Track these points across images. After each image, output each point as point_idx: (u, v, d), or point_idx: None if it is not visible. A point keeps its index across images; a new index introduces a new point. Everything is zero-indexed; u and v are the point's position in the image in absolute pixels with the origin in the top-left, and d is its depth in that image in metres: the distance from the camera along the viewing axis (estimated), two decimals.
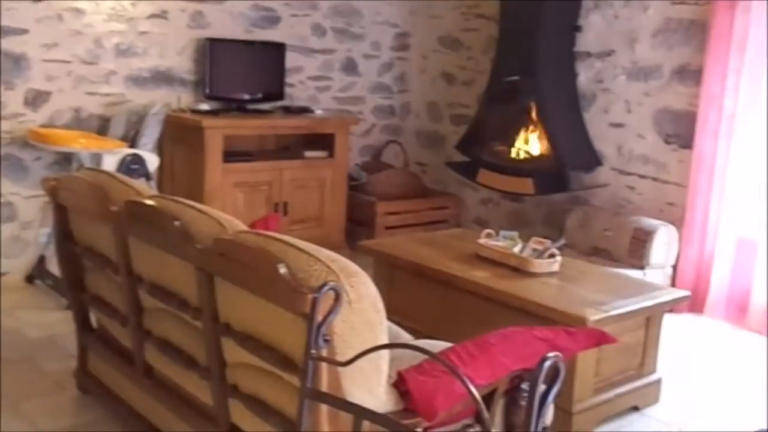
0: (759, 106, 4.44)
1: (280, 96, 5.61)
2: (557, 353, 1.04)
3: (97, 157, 4.38)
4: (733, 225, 4.57)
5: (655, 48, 4.92)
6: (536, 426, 1.05)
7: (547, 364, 1.03)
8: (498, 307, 3.29)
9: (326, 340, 1.40)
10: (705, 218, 4.64)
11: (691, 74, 4.75)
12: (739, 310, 4.54)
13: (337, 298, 1.49)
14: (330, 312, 1.45)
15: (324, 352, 1.76)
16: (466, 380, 1.12)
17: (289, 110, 5.58)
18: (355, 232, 5.55)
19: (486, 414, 1.13)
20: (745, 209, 4.55)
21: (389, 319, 2.96)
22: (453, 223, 5.97)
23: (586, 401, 3.13)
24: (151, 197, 2.62)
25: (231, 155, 5.04)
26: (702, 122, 4.62)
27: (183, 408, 2.54)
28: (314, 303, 1.40)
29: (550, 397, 1.05)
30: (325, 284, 1.50)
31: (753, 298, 4.45)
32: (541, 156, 5.26)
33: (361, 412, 1.35)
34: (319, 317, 1.40)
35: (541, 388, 1.02)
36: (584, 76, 5.30)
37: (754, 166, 4.50)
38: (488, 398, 2.20)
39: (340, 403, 1.48)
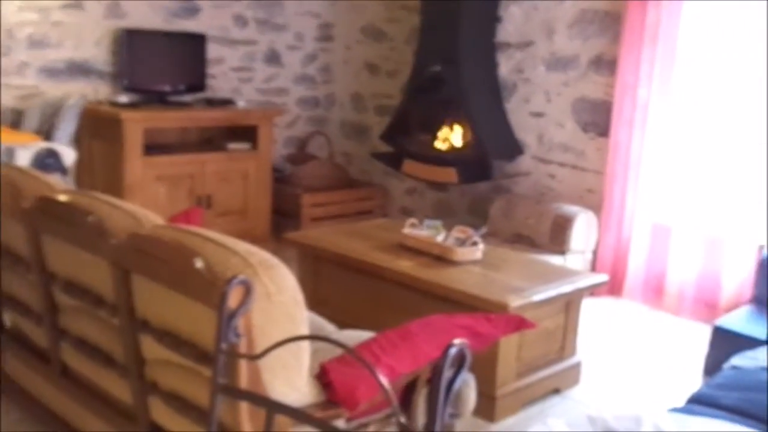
0: (671, 96, 4.59)
1: (201, 88, 5.52)
2: (463, 341, 1.06)
3: (10, 152, 4.23)
4: (649, 211, 4.71)
5: (572, 39, 5.02)
6: (443, 412, 1.07)
7: (453, 351, 1.04)
8: (422, 296, 3.32)
9: (237, 334, 1.39)
10: (622, 204, 4.77)
11: (606, 64, 4.87)
12: (655, 293, 4.69)
13: (248, 291, 1.47)
14: (240, 305, 1.43)
15: (242, 346, 1.75)
16: (377, 373, 1.13)
17: (211, 102, 5.50)
18: (281, 224, 5.51)
19: (396, 403, 1.13)
20: (659, 196, 4.70)
21: (315, 310, 2.97)
22: (379, 214, 5.99)
23: (508, 386, 3.20)
24: (63, 192, 2.55)
25: (152, 148, 4.94)
26: (617, 111, 4.74)
27: (102, 407, 2.48)
28: (223, 296, 1.39)
29: (457, 384, 1.07)
30: (234, 277, 1.48)
31: (668, 281, 4.61)
32: (464, 146, 5.32)
33: (272, 406, 1.35)
34: (230, 310, 1.39)
35: (448, 375, 1.04)
36: (505, 67, 5.38)
37: (667, 154, 4.64)
38: (413, 385, 2.22)
39: (250, 398, 1.47)
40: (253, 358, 1.42)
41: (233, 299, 1.46)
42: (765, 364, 2.73)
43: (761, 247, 4.15)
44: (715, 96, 4.48)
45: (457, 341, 1.05)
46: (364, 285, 3.64)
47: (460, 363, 1.06)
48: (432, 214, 5.39)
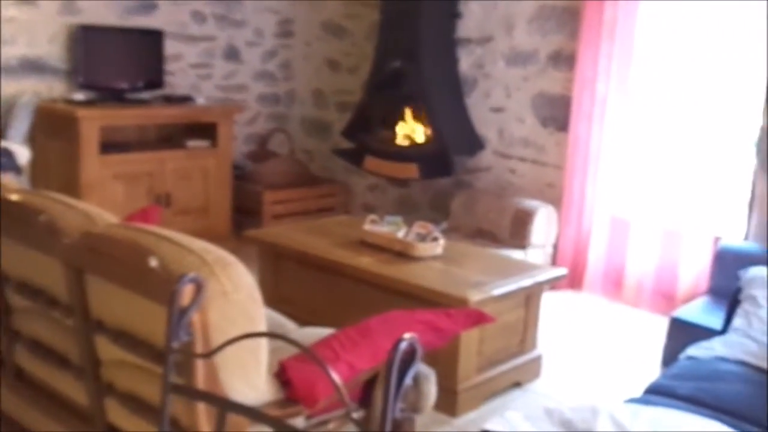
0: (629, 91, 4.64)
1: (159, 84, 5.45)
2: (413, 335, 1.06)
3: None
4: (607, 205, 4.77)
5: (531, 34, 5.05)
6: (393, 407, 1.06)
7: (403, 345, 1.04)
8: (384, 292, 3.32)
9: (188, 333, 1.37)
10: (582, 198, 4.82)
11: (565, 60, 4.91)
12: (614, 286, 4.75)
13: (199, 288, 1.46)
14: (191, 304, 1.42)
15: (198, 345, 1.74)
16: (329, 370, 1.13)
17: (169, 99, 5.43)
18: (243, 222, 5.47)
19: (348, 400, 1.13)
20: (618, 189, 4.75)
21: (276, 308, 2.96)
22: (341, 211, 5.98)
23: (470, 380, 3.22)
24: (14, 192, 2.50)
25: (109, 146, 4.87)
26: (576, 106, 4.79)
27: (57, 410, 2.44)
28: (173, 295, 1.37)
29: (408, 378, 1.06)
30: (185, 275, 1.46)
31: (627, 274, 4.67)
32: (425, 141, 5.32)
33: (224, 405, 1.33)
34: (180, 309, 1.37)
35: (397, 369, 1.04)
36: (465, 62, 5.40)
37: (625, 148, 4.70)
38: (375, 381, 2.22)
39: (201, 396, 1.45)
40: (204, 356, 1.41)
41: (185, 297, 1.44)
42: (720, 354, 2.77)
43: (717, 239, 4.22)
44: (672, 91, 4.54)
45: (407, 335, 1.04)
46: (325, 282, 3.63)
47: (411, 357, 1.06)
48: (394, 210, 5.38)
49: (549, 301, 3.98)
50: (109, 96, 5.14)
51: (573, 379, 3.64)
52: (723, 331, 3.10)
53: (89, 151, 4.74)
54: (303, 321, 2.86)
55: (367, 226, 3.80)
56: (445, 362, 3.06)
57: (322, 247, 3.70)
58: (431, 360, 2.70)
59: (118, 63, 5.28)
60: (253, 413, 1.34)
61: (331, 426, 2.16)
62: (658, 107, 4.63)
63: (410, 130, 5.39)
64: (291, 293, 3.77)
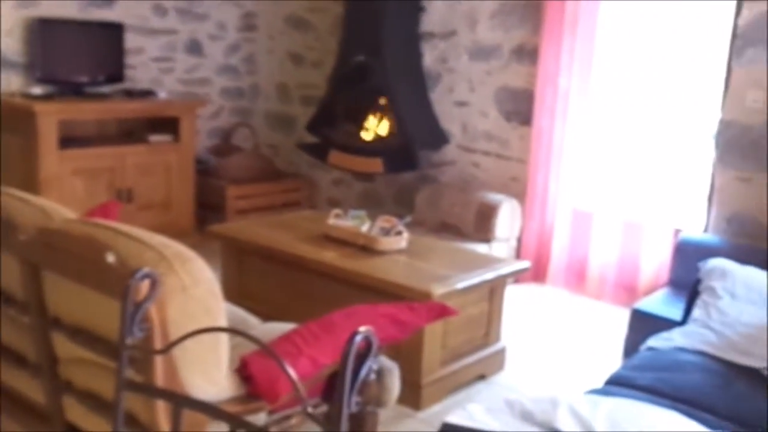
0: (591, 85, 4.68)
1: (120, 78, 5.38)
2: (368, 328, 1.05)
3: None
4: (570, 198, 4.81)
5: (494, 29, 5.07)
6: (349, 401, 1.06)
7: (358, 339, 1.04)
8: (348, 286, 3.31)
9: (142, 328, 1.35)
10: (545, 192, 4.85)
11: (528, 54, 4.93)
12: (577, 278, 4.79)
13: (154, 284, 1.44)
14: (145, 299, 1.40)
15: (157, 341, 1.71)
16: (287, 367, 1.12)
17: (130, 93, 5.36)
18: (207, 217, 5.42)
19: (304, 396, 1.12)
20: (580, 183, 4.80)
21: (239, 303, 2.94)
22: (306, 205, 5.95)
23: (434, 373, 3.22)
24: None
25: (68, 141, 4.79)
26: (539, 100, 4.82)
27: (14, 408, 2.39)
28: (127, 290, 1.35)
29: (363, 372, 1.06)
30: (138, 270, 1.44)
31: (589, 267, 4.72)
32: (389, 135, 5.32)
33: (179, 401, 1.32)
34: (134, 304, 1.35)
35: (352, 363, 1.03)
36: (429, 57, 5.40)
37: (587, 142, 4.74)
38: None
39: (156, 393, 1.44)
40: (160, 352, 1.39)
41: (139, 293, 1.43)
42: (679, 345, 2.82)
43: (677, 232, 4.28)
44: (633, 85, 4.59)
45: (362, 329, 1.04)
46: (289, 277, 3.61)
47: (367, 351, 1.05)
48: (359, 205, 5.38)
49: (513, 294, 4.00)
50: (68, 90, 5.06)
51: (536, 371, 3.67)
52: (683, 322, 3.15)
53: (48, 146, 4.66)
54: (267, 316, 2.85)
55: (331, 221, 3.79)
56: (409, 356, 3.07)
57: (285, 241, 3.68)
58: (395, 354, 2.71)
59: (77, 56, 5.18)
60: (208, 409, 1.33)
61: (294, 421, 2.15)
62: (619, 101, 4.68)
63: (375, 125, 5.38)
64: (255, 288, 3.75)
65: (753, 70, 3.99)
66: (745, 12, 3.99)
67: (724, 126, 4.11)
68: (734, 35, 4.05)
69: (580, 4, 4.59)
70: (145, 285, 1.43)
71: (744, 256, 3.36)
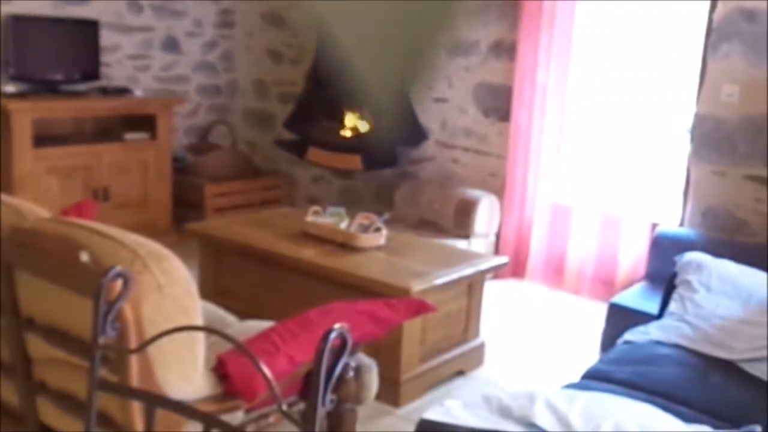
0: (568, 80, 4.70)
1: (96, 76, 5.32)
2: (343, 325, 1.05)
3: None
4: (549, 193, 4.83)
5: (472, 25, 5.07)
6: (324, 399, 1.05)
7: (332, 336, 1.03)
8: (327, 283, 3.31)
9: (115, 327, 1.34)
10: (523, 187, 4.87)
11: (506, 50, 4.94)
12: (556, 274, 4.82)
13: (126, 283, 1.42)
14: (118, 298, 1.39)
15: (132, 340, 1.70)
16: (262, 366, 1.11)
17: (106, 91, 5.30)
18: (185, 215, 5.38)
19: (278, 394, 1.11)
20: (558, 177, 4.82)
21: (217, 302, 2.92)
22: (285, 203, 5.93)
23: (413, 370, 3.22)
24: None
25: (43, 140, 4.73)
26: (518, 95, 4.83)
27: None
28: (99, 289, 1.34)
29: (338, 369, 1.06)
30: (111, 269, 1.43)
31: (568, 262, 4.74)
32: (368, 132, 5.31)
33: (151, 400, 1.31)
34: (106, 303, 1.34)
35: (326, 361, 1.03)
36: None
37: (565, 137, 4.76)
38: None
39: (129, 393, 1.42)
40: (133, 351, 1.38)
41: (112, 292, 1.41)
42: (655, 338, 2.84)
43: (654, 226, 4.31)
44: (610, 80, 4.62)
45: (336, 326, 1.04)
46: (267, 275, 3.60)
47: (341, 348, 1.05)
48: (338, 202, 5.37)
49: (492, 289, 4.01)
50: (43, 88, 5.00)
51: (515, 366, 3.68)
52: (659, 315, 3.17)
53: (22, 145, 4.60)
54: (245, 314, 2.83)
55: (310, 218, 3.78)
56: (387, 352, 3.07)
57: (264, 239, 3.66)
58: (373, 350, 2.70)
59: (51, 54, 5.12)
60: (181, 408, 1.32)
61: (271, 419, 2.15)
62: (596, 96, 4.71)
63: (353, 122, 5.37)
64: (233, 286, 3.73)
65: (728, 65, 4.02)
66: (720, 7, 4.03)
67: (700, 120, 4.14)
68: (709, 30, 4.08)
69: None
70: (117, 284, 1.42)
71: (719, 250, 3.38)
